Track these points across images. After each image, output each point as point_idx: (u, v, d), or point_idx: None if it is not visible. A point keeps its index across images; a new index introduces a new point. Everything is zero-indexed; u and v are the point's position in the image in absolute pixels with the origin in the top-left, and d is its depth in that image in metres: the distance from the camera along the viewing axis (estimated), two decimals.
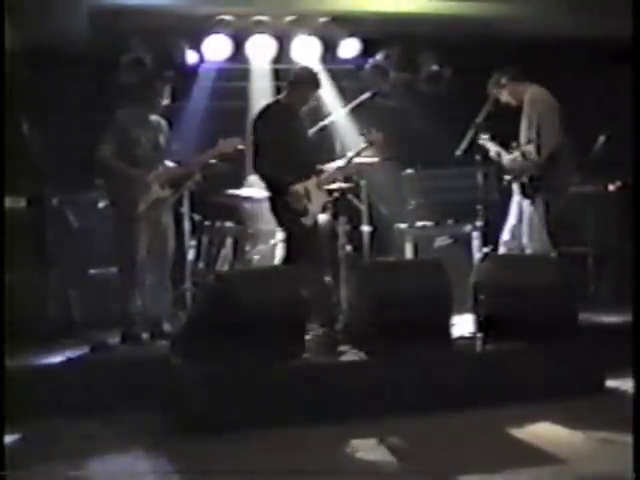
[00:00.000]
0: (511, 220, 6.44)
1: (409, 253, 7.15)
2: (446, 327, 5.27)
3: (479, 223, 6.65)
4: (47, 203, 6.61)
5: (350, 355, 5.26)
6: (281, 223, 6.03)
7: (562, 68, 7.11)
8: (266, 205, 6.12)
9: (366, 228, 6.66)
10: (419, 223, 7.30)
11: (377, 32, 7.53)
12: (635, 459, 3.59)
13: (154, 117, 6.13)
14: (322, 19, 7.40)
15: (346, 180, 6.38)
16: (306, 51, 7.43)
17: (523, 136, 6.33)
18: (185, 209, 6.52)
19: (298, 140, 6.04)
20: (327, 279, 6.16)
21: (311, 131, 6.31)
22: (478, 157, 6.33)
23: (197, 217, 6.74)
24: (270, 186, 5.98)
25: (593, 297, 7.10)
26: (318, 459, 4.22)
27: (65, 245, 6.61)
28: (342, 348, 5.36)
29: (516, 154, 6.33)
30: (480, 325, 5.43)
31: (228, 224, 6.85)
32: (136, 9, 6.59)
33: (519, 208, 6.40)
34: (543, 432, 4.60)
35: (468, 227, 7.05)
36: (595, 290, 7.23)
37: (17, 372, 4.98)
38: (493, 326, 5.35)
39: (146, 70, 6.90)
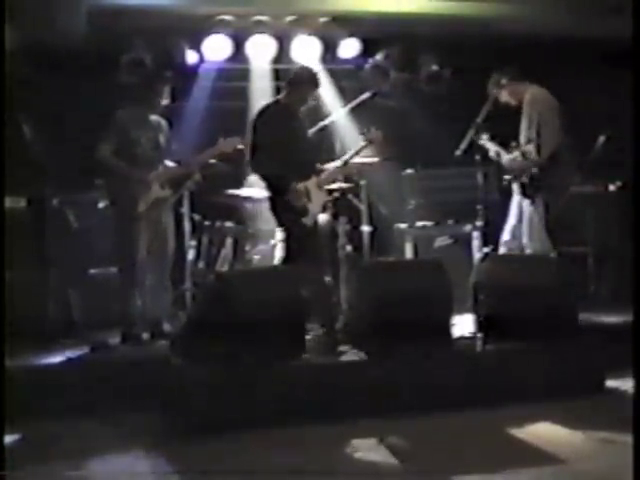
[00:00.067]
0: (511, 220, 6.44)
1: (409, 253, 7.15)
2: (446, 327, 5.27)
3: (479, 223, 6.66)
4: (47, 203, 6.61)
5: (350, 355, 5.27)
6: (281, 223, 6.02)
7: (562, 68, 7.10)
8: (266, 205, 6.12)
9: (366, 228, 6.66)
10: (419, 223, 7.31)
11: (377, 32, 7.53)
12: (635, 459, 3.58)
13: (154, 117, 6.13)
14: (322, 19, 7.40)
15: (346, 180, 6.38)
16: (306, 51, 7.43)
17: (523, 136, 6.34)
18: (185, 209, 6.53)
19: (298, 140, 6.03)
20: (327, 279, 6.15)
21: (311, 131, 6.30)
22: (478, 157, 6.33)
23: (197, 217, 6.74)
24: (270, 185, 5.98)
25: (593, 297, 7.10)
26: (318, 459, 4.22)
27: (65, 245, 6.61)
28: (342, 348, 5.36)
29: (516, 154, 6.34)
30: (480, 325, 5.43)
31: (228, 224, 6.85)
32: (136, 9, 6.59)
33: (519, 208, 6.40)
34: (543, 432, 4.60)
35: (468, 227, 7.06)
36: (595, 290, 7.23)
37: (17, 372, 4.98)
38: (493, 326, 5.35)
39: (146, 70, 6.90)
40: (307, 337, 5.28)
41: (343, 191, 6.36)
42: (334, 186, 6.27)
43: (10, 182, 5.69)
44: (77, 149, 6.47)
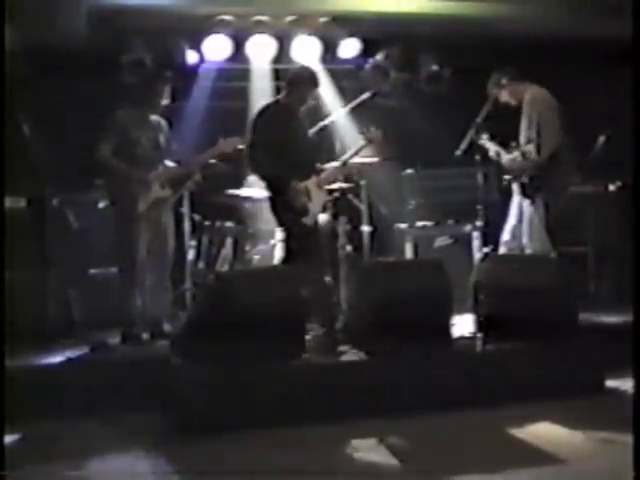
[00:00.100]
0: (511, 220, 6.44)
1: (409, 253, 7.15)
2: (446, 327, 5.27)
3: (479, 223, 6.65)
4: (47, 203, 6.61)
5: (350, 355, 5.26)
6: (281, 223, 6.02)
7: (562, 68, 7.10)
8: (266, 205, 6.12)
9: (366, 228, 6.66)
10: (419, 223, 7.31)
11: (377, 32, 7.52)
12: (635, 459, 3.58)
13: (154, 117, 6.13)
14: (322, 19, 7.40)
15: (346, 180, 6.38)
16: (306, 51, 7.43)
17: (523, 136, 6.34)
18: (185, 209, 6.53)
19: (298, 140, 6.03)
20: (327, 279, 6.15)
21: (311, 131, 6.30)
22: (478, 157, 6.32)
23: (197, 217, 6.74)
24: (270, 185, 5.98)
25: (593, 297, 7.10)
26: (318, 459, 4.22)
27: (65, 245, 6.60)
28: (342, 348, 5.36)
29: (516, 154, 6.34)
30: (480, 325, 5.43)
31: (228, 224, 6.85)
32: (136, 9, 6.59)
33: (519, 208, 6.40)
34: (543, 432, 4.60)
35: (468, 227, 7.06)
36: (595, 290, 7.23)
37: (17, 372, 4.98)
38: (493, 326, 5.35)
39: (146, 70, 6.90)
40: (307, 337, 5.29)
41: (343, 191, 6.37)
42: (334, 186, 6.27)
43: (10, 182, 5.69)
44: (77, 149, 6.47)
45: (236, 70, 7.59)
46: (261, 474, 4.07)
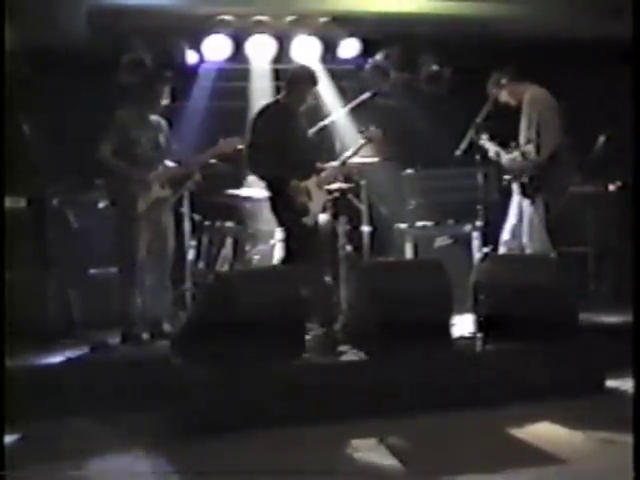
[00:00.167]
0: (511, 220, 6.44)
1: (409, 253, 7.15)
2: (446, 327, 5.27)
3: (479, 223, 6.65)
4: (47, 203, 6.61)
5: (350, 355, 5.26)
6: (281, 223, 6.03)
7: (562, 68, 7.10)
8: (266, 205, 6.12)
9: (366, 228, 6.66)
10: (419, 223, 7.31)
11: (377, 32, 7.52)
12: (635, 459, 3.58)
13: (154, 117, 6.13)
14: (322, 19, 7.40)
15: (346, 180, 6.38)
16: (306, 51, 7.43)
17: (523, 136, 6.34)
18: (185, 209, 6.53)
19: (297, 140, 6.04)
20: (327, 279, 6.16)
21: (311, 131, 6.31)
22: (478, 157, 6.33)
23: (197, 217, 6.74)
24: (269, 185, 5.98)
25: (593, 297, 7.10)
26: (318, 459, 4.22)
27: (65, 245, 6.60)
28: (342, 348, 5.36)
29: (516, 154, 6.34)
30: (480, 325, 5.43)
31: (228, 224, 6.85)
32: (136, 9, 6.59)
33: (519, 208, 6.40)
34: (543, 432, 4.60)
35: (468, 227, 7.06)
36: (595, 290, 7.23)
37: (17, 372, 4.98)
38: (493, 326, 5.35)
39: (146, 70, 6.90)
40: (307, 337, 5.28)
41: (343, 191, 6.37)
42: (334, 186, 6.27)
43: (10, 182, 5.69)
44: (77, 149, 6.47)
45: (236, 70, 7.59)
46: (261, 474, 4.06)
